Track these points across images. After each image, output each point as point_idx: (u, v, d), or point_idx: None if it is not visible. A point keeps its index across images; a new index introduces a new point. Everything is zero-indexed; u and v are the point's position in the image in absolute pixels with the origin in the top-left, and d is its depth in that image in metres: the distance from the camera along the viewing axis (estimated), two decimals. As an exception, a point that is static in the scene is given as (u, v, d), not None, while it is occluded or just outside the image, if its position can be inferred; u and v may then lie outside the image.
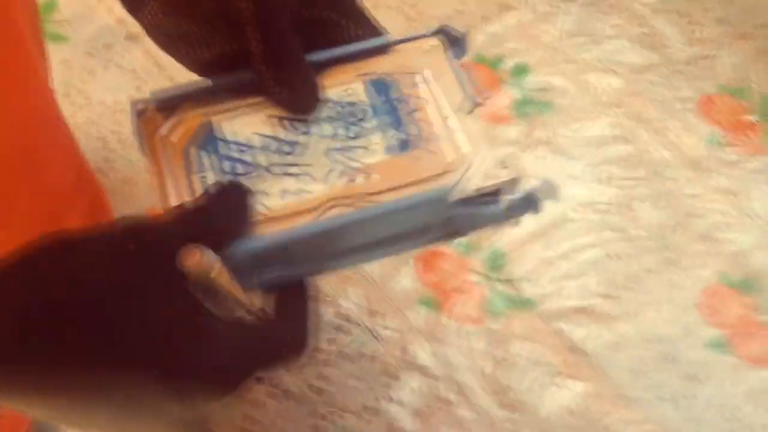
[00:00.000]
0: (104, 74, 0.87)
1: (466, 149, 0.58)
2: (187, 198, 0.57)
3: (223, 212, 0.53)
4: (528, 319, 0.75)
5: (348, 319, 0.74)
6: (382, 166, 0.58)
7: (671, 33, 0.95)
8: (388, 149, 0.59)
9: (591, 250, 0.80)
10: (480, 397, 0.72)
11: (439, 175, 0.57)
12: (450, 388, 0.71)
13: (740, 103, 0.89)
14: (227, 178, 0.58)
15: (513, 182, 0.56)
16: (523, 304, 0.76)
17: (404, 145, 0.59)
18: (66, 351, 0.48)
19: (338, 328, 0.73)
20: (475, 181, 0.57)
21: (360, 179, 0.57)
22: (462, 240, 0.79)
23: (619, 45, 0.93)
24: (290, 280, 0.55)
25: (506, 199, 0.58)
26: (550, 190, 0.56)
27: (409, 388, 0.71)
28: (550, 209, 0.81)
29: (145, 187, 0.80)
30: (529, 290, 0.77)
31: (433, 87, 0.62)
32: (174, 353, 0.48)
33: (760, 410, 0.72)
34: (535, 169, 0.84)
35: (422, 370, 0.72)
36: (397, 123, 0.60)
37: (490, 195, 0.57)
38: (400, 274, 0.77)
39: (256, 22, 0.59)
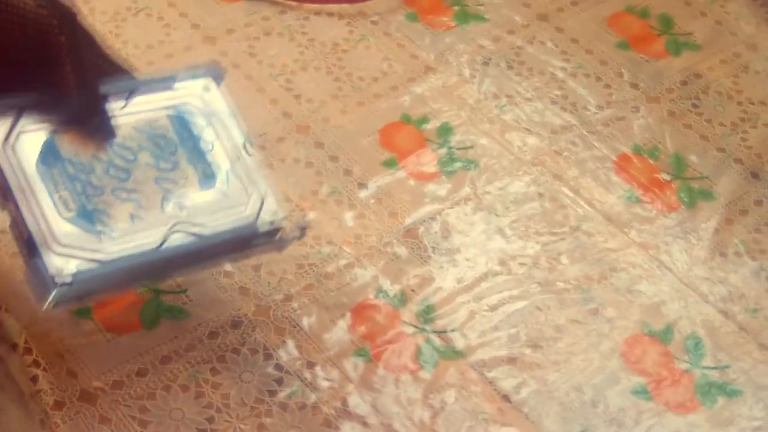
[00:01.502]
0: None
1: (254, 189, 0.71)
2: (56, 216, 0.64)
3: None
4: (460, 370, 0.77)
5: (287, 371, 0.75)
6: (200, 196, 0.70)
7: (587, 95, 0.99)
8: (201, 182, 0.70)
9: (518, 302, 0.82)
10: (416, 446, 0.73)
11: (240, 210, 0.70)
12: (388, 437, 0.73)
13: (654, 163, 0.94)
14: (83, 200, 0.66)
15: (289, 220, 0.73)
16: (454, 354, 0.78)
17: (210, 180, 0.70)
18: None
19: (278, 380, 0.75)
20: (266, 217, 0.71)
21: (186, 208, 0.68)
22: (395, 293, 0.81)
23: (538, 107, 0.98)
24: None
25: (284, 232, 0.72)
26: (303, 231, 0.74)
27: (349, 438, 0.73)
28: (478, 264, 0.84)
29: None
30: (460, 341, 0.79)
31: (218, 128, 0.73)
32: None
33: (685, 454, 0.76)
34: (461, 225, 0.87)
35: (360, 420, 0.74)
36: (201, 158, 0.71)
37: (275, 229, 0.72)
38: (336, 326, 0.78)
39: (71, 54, 0.65)
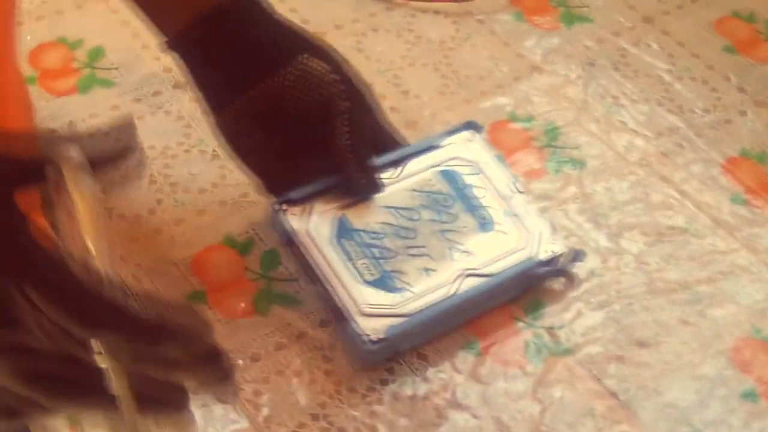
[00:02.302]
0: (152, 120, 0.89)
1: (531, 224, 0.78)
2: (358, 282, 0.73)
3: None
4: (568, 366, 0.78)
5: (398, 362, 0.76)
6: (481, 242, 0.77)
7: (694, 98, 0.99)
8: (480, 227, 0.78)
9: (624, 302, 0.82)
10: (524, 439, 0.74)
11: (522, 247, 0.77)
12: (498, 428, 0.73)
13: (762, 167, 0.93)
14: (381, 264, 0.74)
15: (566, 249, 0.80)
16: (562, 351, 0.78)
17: (488, 224, 0.78)
18: None
19: (389, 370, 0.75)
20: (545, 248, 0.78)
21: (472, 254, 0.76)
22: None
23: (644, 109, 0.97)
24: None
25: (562, 260, 0.80)
26: (580, 254, 0.81)
27: (459, 428, 0.73)
28: (585, 264, 0.84)
29: (193, 227, 0.82)
30: (567, 338, 0.79)
31: (487, 173, 0.81)
32: None
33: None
34: (568, 224, 0.87)
35: (470, 411, 0.74)
36: (474, 207, 0.78)
37: (554, 258, 0.79)
38: (445, 319, 0.79)
39: (348, 119, 0.72)
